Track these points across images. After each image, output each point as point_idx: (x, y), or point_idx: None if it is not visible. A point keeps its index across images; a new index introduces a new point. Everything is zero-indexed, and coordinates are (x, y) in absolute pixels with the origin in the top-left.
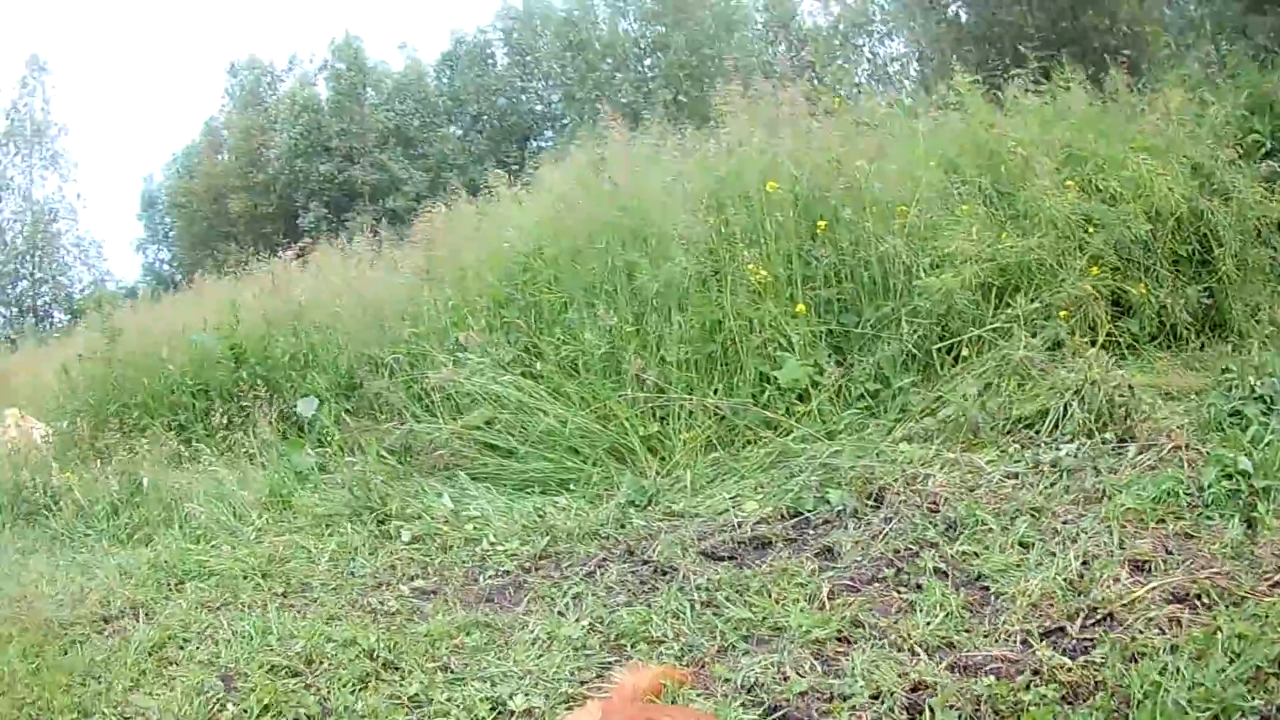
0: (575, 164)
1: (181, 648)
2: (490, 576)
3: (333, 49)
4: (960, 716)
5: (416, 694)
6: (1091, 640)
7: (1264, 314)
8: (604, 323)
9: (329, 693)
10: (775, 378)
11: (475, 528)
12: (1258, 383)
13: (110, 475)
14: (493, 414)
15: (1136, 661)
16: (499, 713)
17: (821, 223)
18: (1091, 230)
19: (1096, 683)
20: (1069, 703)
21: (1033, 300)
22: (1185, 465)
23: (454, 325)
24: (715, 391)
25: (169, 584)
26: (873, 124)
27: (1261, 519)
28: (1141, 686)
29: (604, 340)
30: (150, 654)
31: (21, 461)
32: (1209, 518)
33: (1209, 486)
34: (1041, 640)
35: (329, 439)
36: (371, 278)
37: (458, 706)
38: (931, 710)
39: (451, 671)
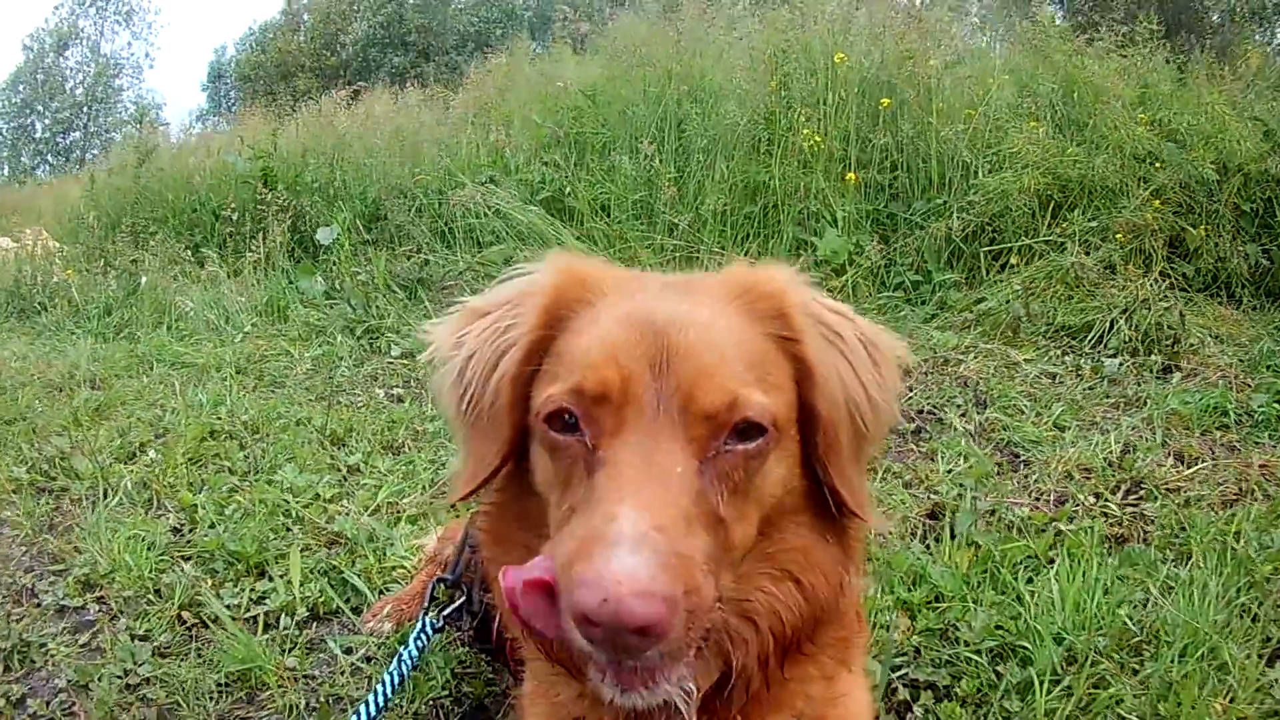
0: (647, 12)
1: (127, 412)
2: None
3: None
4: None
5: (356, 464)
6: (1136, 505)
7: None
8: (645, 164)
9: (262, 455)
10: (814, 246)
11: None
12: None
13: (112, 277)
14: (512, 251)
15: (1186, 531)
16: (434, 483)
17: (885, 101)
18: (1158, 167)
19: (1145, 535)
20: (1116, 541)
21: (1090, 220)
22: (1234, 390)
23: (491, 162)
24: (748, 252)
25: (138, 369)
26: (952, 34)
27: None
28: (1202, 540)
29: (641, 183)
30: (92, 413)
31: (26, 260)
32: (1257, 438)
33: (1260, 409)
34: (1079, 500)
35: (343, 269)
36: (418, 117)
37: (395, 475)
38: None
39: (402, 452)
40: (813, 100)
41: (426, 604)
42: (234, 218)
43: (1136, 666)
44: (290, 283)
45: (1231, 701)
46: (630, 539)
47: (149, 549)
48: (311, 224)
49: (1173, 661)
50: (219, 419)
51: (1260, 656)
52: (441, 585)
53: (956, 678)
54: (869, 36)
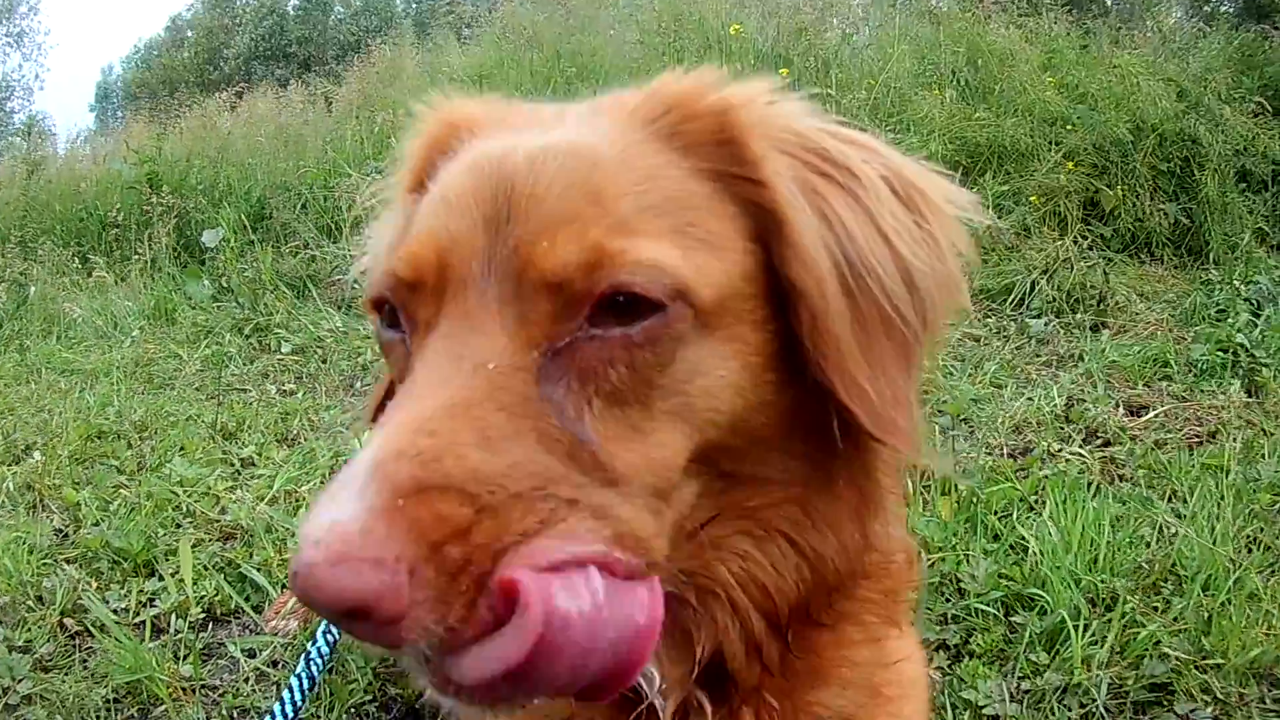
0: None
1: (13, 419)
2: (370, 382)
3: None
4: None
5: (249, 457)
6: (1103, 451)
7: (1240, 248)
8: None
9: (150, 452)
10: None
11: (363, 342)
12: (1243, 286)
13: (1, 290)
14: None
15: (1165, 471)
16: (334, 469)
17: (784, 70)
18: (1069, 129)
19: (1120, 478)
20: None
21: (1002, 184)
22: (1172, 343)
23: (376, 153)
24: None
25: (26, 378)
26: (849, 5)
27: (1267, 383)
28: (1184, 478)
29: None
30: None
31: None
32: (1203, 386)
33: (1201, 358)
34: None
35: (231, 269)
36: (302, 115)
37: (292, 464)
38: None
39: (297, 443)
40: None
41: None
42: (120, 222)
43: (1159, 605)
44: (178, 287)
45: (1269, 631)
46: (358, 475)
47: (29, 552)
48: (197, 226)
49: (1200, 595)
50: (106, 420)
51: None
52: None
53: (968, 633)
54: (762, 11)
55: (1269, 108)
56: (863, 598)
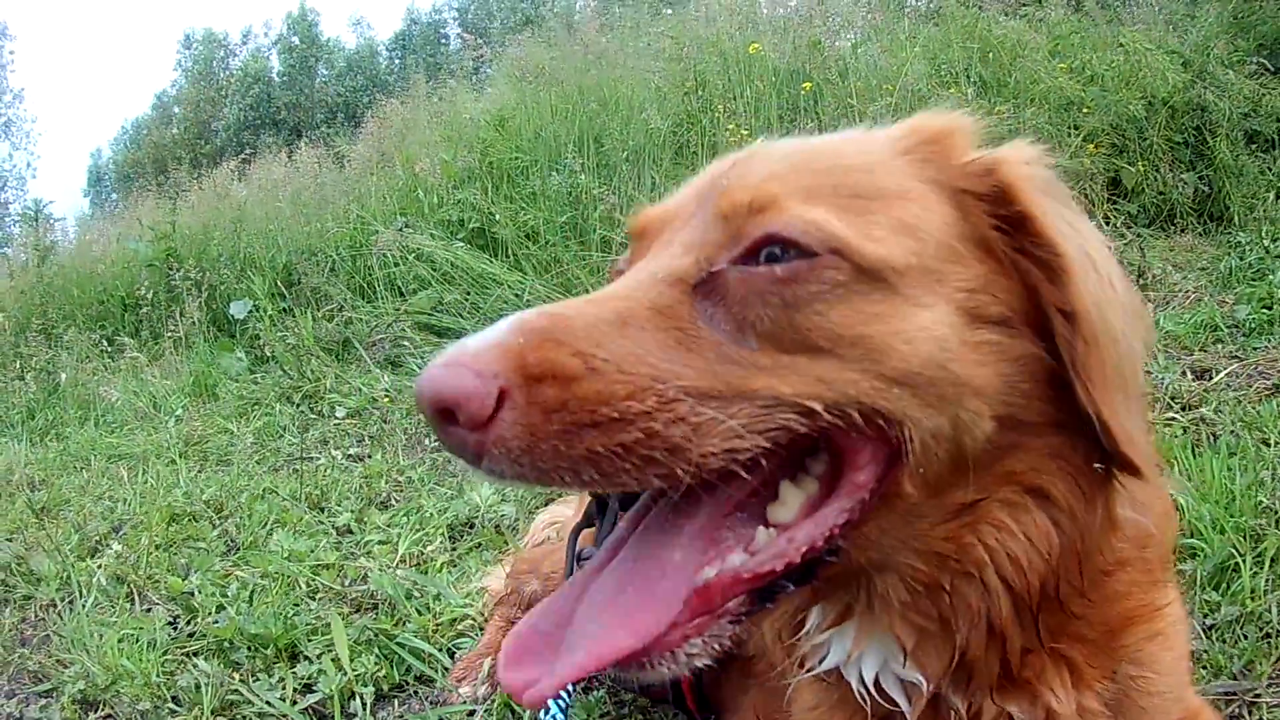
0: (550, 29)
1: (76, 508)
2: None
3: (288, 22)
4: None
5: (345, 525)
6: (1191, 412)
7: (1260, 209)
8: (570, 182)
9: (237, 532)
10: None
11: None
12: (1272, 245)
13: (30, 379)
14: (440, 295)
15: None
16: (452, 526)
17: (807, 84)
18: (1085, 111)
19: (1214, 435)
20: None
21: None
22: (1216, 307)
23: (402, 209)
24: None
25: (74, 466)
26: (855, 14)
27: None
28: (1277, 420)
29: (568, 204)
30: (39, 513)
31: None
32: (1254, 344)
33: (1247, 318)
34: None
35: (270, 337)
36: (317, 177)
37: (402, 526)
38: None
39: (388, 506)
40: (730, 96)
41: None
42: (149, 298)
43: None
44: (213, 361)
45: None
46: (505, 320)
47: (148, 649)
48: (224, 299)
49: None
50: (177, 502)
51: None
52: None
53: None
54: (775, 28)
55: (1269, 67)
56: (1131, 568)
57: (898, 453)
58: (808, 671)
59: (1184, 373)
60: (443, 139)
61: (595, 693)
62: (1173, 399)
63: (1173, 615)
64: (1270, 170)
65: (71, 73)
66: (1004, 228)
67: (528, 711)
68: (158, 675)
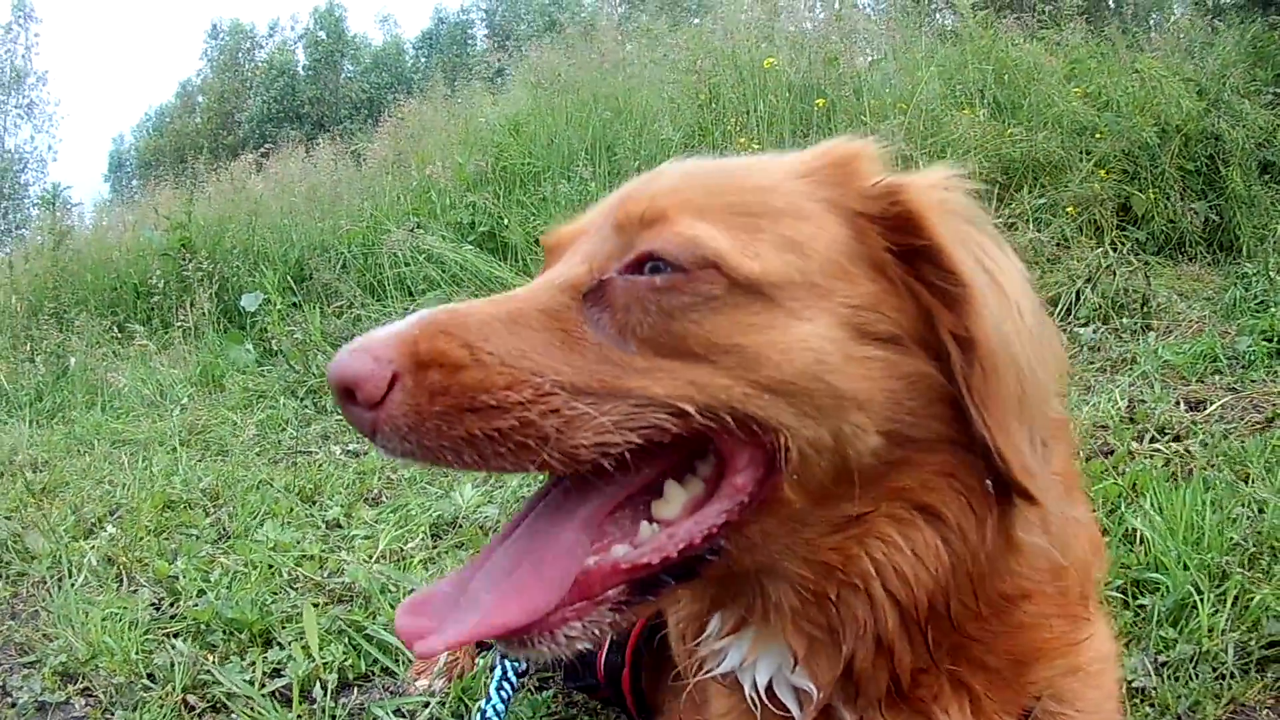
0: (567, 37)
1: (75, 491)
2: None
3: (315, 16)
4: None
5: (335, 519)
6: (1177, 443)
7: (1270, 240)
8: (580, 190)
9: (230, 521)
10: None
11: None
12: (1278, 276)
13: (40, 362)
14: (448, 296)
15: (1241, 457)
16: (437, 523)
17: (820, 101)
18: (1098, 137)
19: (1200, 465)
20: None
21: (1039, 197)
22: (1218, 338)
23: (414, 209)
24: None
25: (78, 450)
26: (872, 32)
27: None
28: (1258, 461)
29: (578, 211)
30: (38, 494)
31: None
32: (1251, 376)
33: (1247, 350)
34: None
35: (278, 331)
36: (332, 174)
37: (388, 523)
38: None
39: (380, 503)
40: (744, 109)
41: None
42: (161, 287)
43: (1260, 575)
44: (221, 352)
45: None
46: (413, 315)
47: (130, 628)
48: (235, 291)
49: None
50: (174, 489)
51: None
52: None
53: None
54: (791, 43)
55: None
56: (1036, 590)
57: (775, 459)
58: (706, 674)
59: (1177, 403)
60: (458, 141)
61: (546, 692)
62: (1161, 430)
63: (1098, 651)
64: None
65: (97, 57)
66: (901, 250)
67: (476, 704)
68: (136, 653)
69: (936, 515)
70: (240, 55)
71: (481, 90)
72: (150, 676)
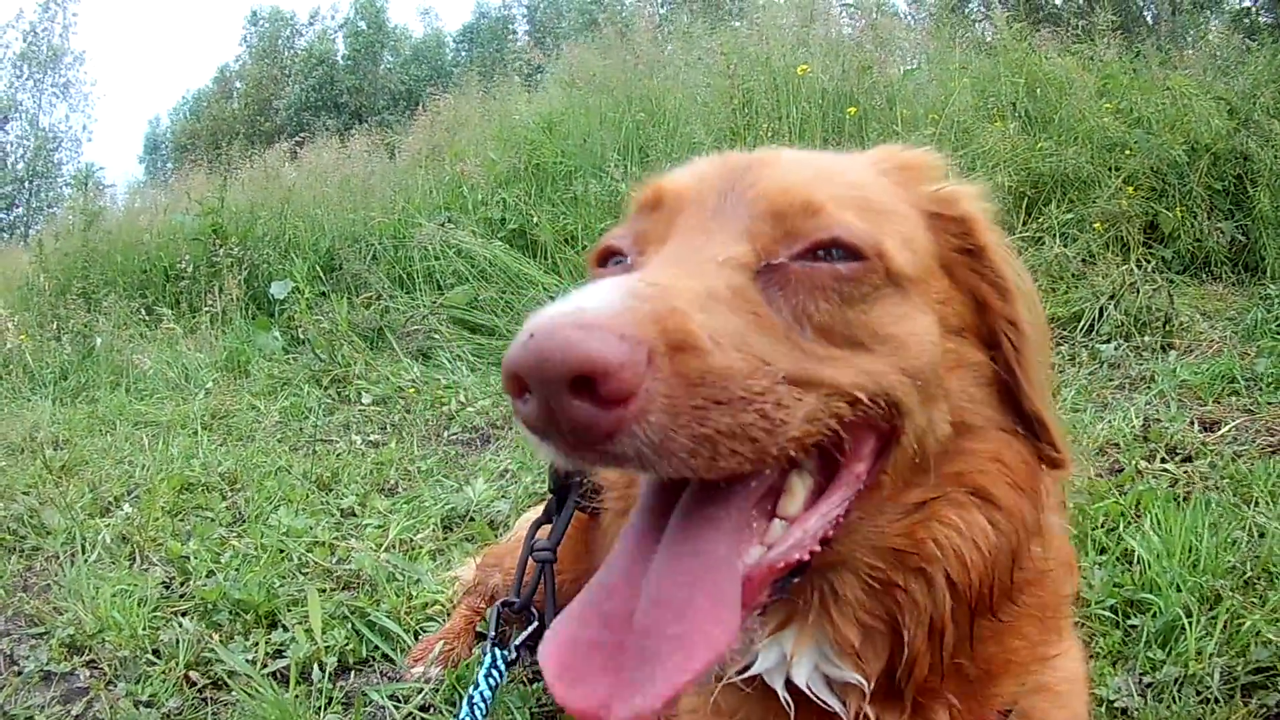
0: (604, 36)
1: (95, 469)
2: (456, 431)
3: (356, 5)
4: None
5: (349, 507)
6: (1187, 464)
7: None
8: (610, 190)
9: (245, 505)
10: None
11: (445, 391)
12: None
13: (66, 341)
14: (475, 292)
15: (1247, 480)
16: (448, 515)
17: (852, 109)
18: (1128, 153)
19: (1205, 489)
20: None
21: (1067, 212)
22: (1238, 359)
23: (446, 204)
24: None
25: (100, 430)
26: (908, 41)
27: None
28: (1264, 486)
29: (608, 211)
30: (58, 471)
31: None
32: (1269, 399)
33: (1266, 372)
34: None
35: (306, 319)
36: (366, 165)
37: (401, 513)
38: None
39: (396, 493)
40: (776, 115)
41: (493, 634)
42: (190, 271)
43: (1255, 600)
44: (248, 338)
45: None
46: (605, 285)
47: (139, 605)
48: (265, 278)
49: None
50: (193, 472)
51: None
52: (508, 610)
53: (1090, 637)
54: (826, 49)
55: None
56: (1026, 601)
57: (888, 443)
58: (723, 681)
59: (1192, 423)
60: (492, 137)
61: (537, 684)
62: (1172, 450)
63: (1068, 671)
64: None
65: (136, 39)
66: (959, 250)
67: (477, 691)
68: (143, 629)
69: (988, 498)
70: (280, 43)
71: (517, 87)
72: (155, 652)
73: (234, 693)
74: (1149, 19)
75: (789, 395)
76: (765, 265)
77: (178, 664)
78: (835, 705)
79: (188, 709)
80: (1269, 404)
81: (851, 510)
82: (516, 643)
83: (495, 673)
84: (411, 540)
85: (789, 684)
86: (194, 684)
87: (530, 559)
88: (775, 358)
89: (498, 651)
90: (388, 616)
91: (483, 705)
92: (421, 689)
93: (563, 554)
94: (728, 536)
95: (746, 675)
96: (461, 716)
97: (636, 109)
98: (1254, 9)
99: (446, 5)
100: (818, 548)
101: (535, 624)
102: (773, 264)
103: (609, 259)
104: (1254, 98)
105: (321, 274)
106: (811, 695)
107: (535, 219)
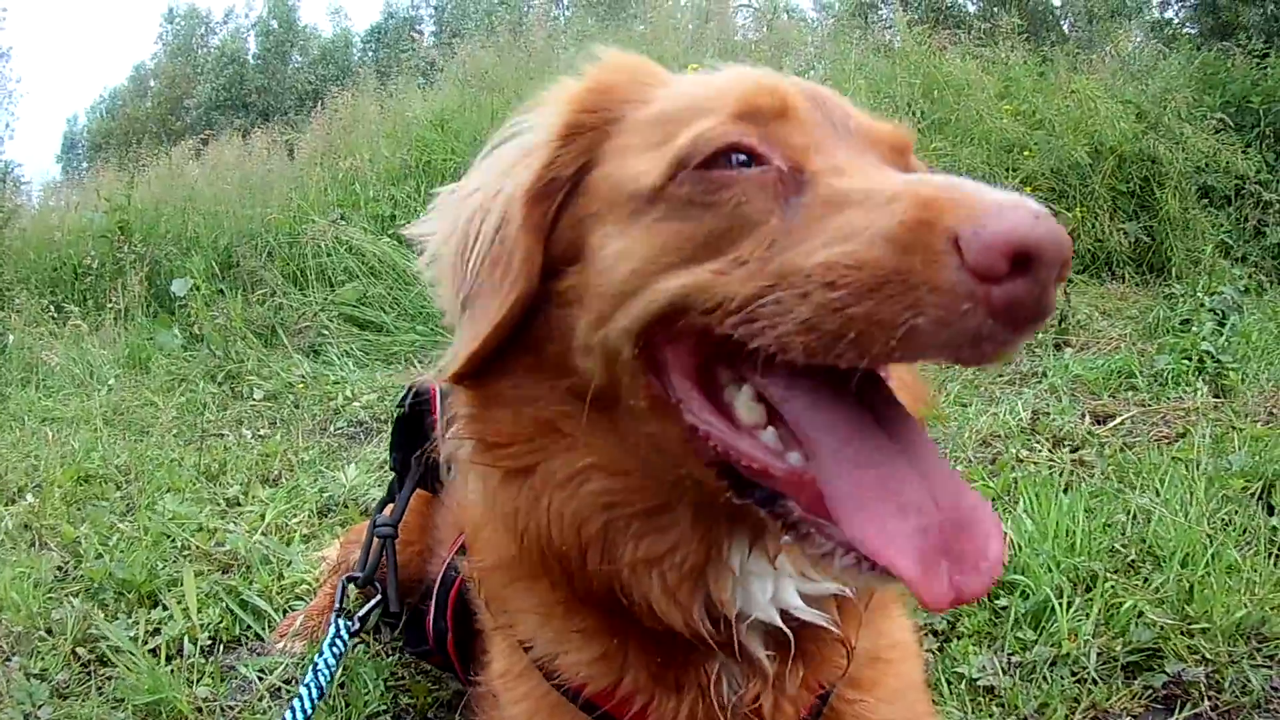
0: (497, 35)
1: (2, 462)
2: (342, 425)
3: (269, 5)
4: None
5: (234, 496)
6: (1074, 453)
7: (1205, 262)
8: None
9: (138, 495)
10: None
11: (333, 387)
12: (1207, 297)
13: None
14: (365, 288)
15: (1134, 468)
16: (324, 502)
17: None
18: (1027, 154)
19: (1090, 475)
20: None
21: None
22: (1136, 356)
23: (339, 201)
24: None
25: (9, 426)
26: (805, 41)
27: (1234, 385)
28: (1153, 472)
29: None
30: None
31: None
32: (1168, 395)
33: (1166, 367)
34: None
35: (202, 317)
36: (266, 162)
37: (279, 500)
38: None
39: (278, 483)
40: None
41: (338, 605)
42: (94, 271)
43: (1138, 582)
44: (150, 335)
45: (1252, 596)
46: (980, 186)
47: (35, 586)
48: (166, 275)
49: (1179, 570)
50: (92, 464)
51: (1269, 556)
52: (352, 585)
53: (956, 617)
54: (720, 52)
55: (1231, 124)
56: None
57: None
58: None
59: (1083, 416)
60: (385, 135)
61: (390, 657)
62: (1061, 441)
63: (895, 639)
64: (1219, 225)
65: (58, 36)
66: None
67: (321, 659)
68: (38, 608)
69: None
70: (194, 40)
71: (414, 85)
72: (48, 630)
73: (116, 667)
74: (1065, 27)
75: None
76: None
77: (66, 640)
78: (820, 619)
79: (74, 682)
80: (1168, 398)
81: None
82: (360, 614)
83: (339, 641)
84: (287, 525)
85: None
86: (80, 659)
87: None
88: None
89: (341, 622)
90: (259, 596)
91: (326, 672)
92: (284, 663)
93: (409, 530)
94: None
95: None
96: (306, 681)
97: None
98: (1175, 20)
99: (356, 5)
100: None
101: (380, 597)
102: None
103: (724, 155)
104: (1165, 102)
105: (219, 271)
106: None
107: (423, 215)
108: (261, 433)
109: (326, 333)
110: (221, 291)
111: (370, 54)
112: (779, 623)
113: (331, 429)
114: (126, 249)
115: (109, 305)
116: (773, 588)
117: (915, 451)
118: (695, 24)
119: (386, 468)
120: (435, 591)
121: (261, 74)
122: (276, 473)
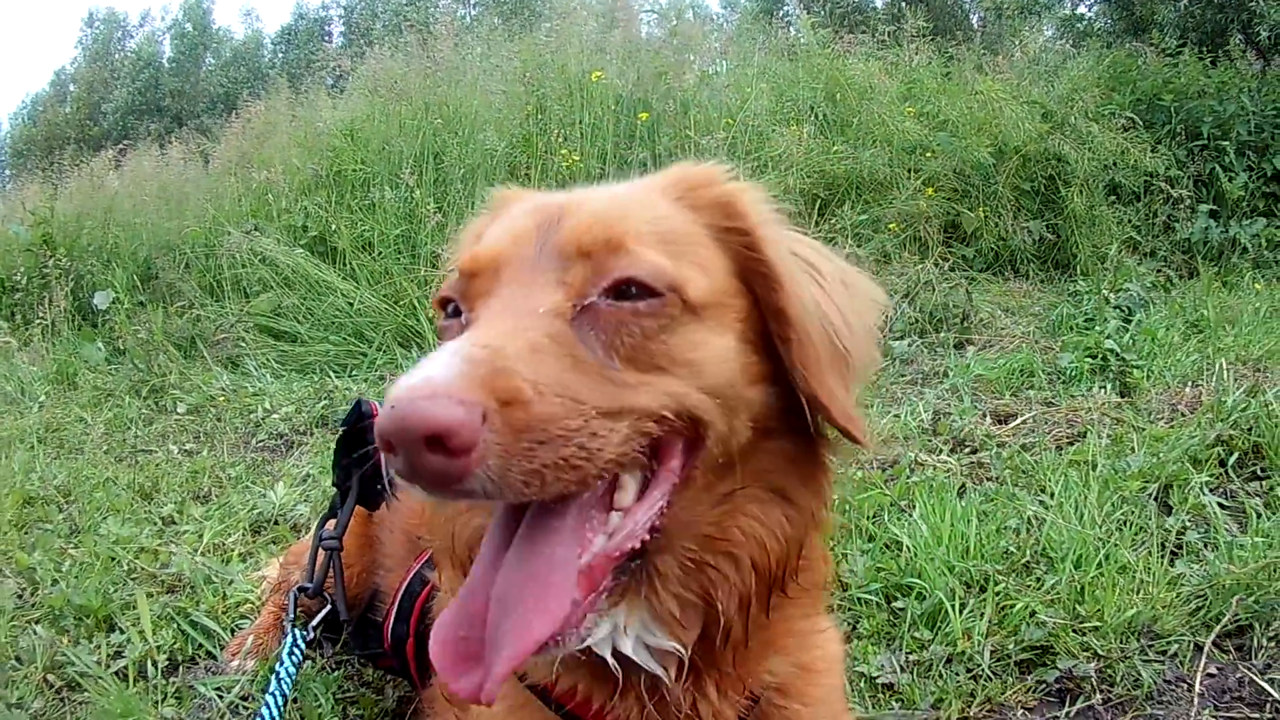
0: (406, 43)
1: None
2: (263, 439)
3: (184, 7)
4: None
5: (169, 515)
6: (971, 456)
7: (1111, 259)
8: (405, 197)
9: (79, 516)
10: None
11: (252, 399)
12: (1112, 294)
13: None
14: (280, 299)
15: (1032, 470)
16: (256, 520)
17: (644, 114)
18: (929, 155)
19: (988, 479)
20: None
21: (861, 213)
22: (1039, 354)
23: (253, 211)
24: None
25: None
26: (707, 47)
27: (1139, 383)
28: (1051, 474)
29: (403, 218)
30: None
31: None
32: (1072, 392)
33: (1069, 365)
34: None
35: (124, 330)
36: (182, 173)
37: (214, 519)
38: None
39: (210, 500)
40: (569, 121)
41: (291, 616)
42: (23, 283)
43: (1031, 583)
44: (76, 350)
45: (1144, 595)
46: (445, 354)
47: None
48: (89, 288)
49: (1072, 571)
50: (33, 486)
51: (1162, 556)
52: (303, 595)
53: (855, 620)
54: (624, 56)
55: (1140, 122)
56: (796, 587)
57: (695, 447)
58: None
59: (984, 416)
60: (298, 145)
61: (338, 671)
62: (961, 442)
63: (826, 651)
64: (1126, 221)
65: None
66: (750, 252)
67: (283, 668)
68: (5, 637)
69: (785, 496)
70: (112, 44)
71: (324, 94)
72: (18, 659)
73: (86, 692)
74: (975, 22)
75: (603, 427)
76: (580, 307)
77: (37, 668)
78: (657, 670)
79: (50, 709)
80: (1072, 397)
81: (672, 502)
82: (313, 623)
83: (297, 650)
84: (223, 544)
85: (618, 654)
86: (52, 686)
87: (320, 548)
88: (589, 396)
89: (297, 632)
90: (207, 616)
91: (288, 680)
92: (240, 680)
93: (350, 547)
94: (565, 538)
95: (583, 647)
96: (270, 690)
97: (434, 116)
98: (1088, 15)
99: (267, 6)
100: (648, 536)
101: (329, 607)
102: (586, 304)
103: (447, 304)
104: (1072, 101)
105: (140, 284)
106: (636, 662)
107: (335, 226)
108: (188, 447)
109: (244, 344)
110: (143, 304)
111: (280, 55)
112: (610, 659)
113: (254, 442)
114: (51, 263)
115: (36, 320)
116: (608, 631)
117: (503, 572)
118: (599, 30)
119: (311, 483)
120: (398, 599)
121: (176, 77)
122: (207, 489)
